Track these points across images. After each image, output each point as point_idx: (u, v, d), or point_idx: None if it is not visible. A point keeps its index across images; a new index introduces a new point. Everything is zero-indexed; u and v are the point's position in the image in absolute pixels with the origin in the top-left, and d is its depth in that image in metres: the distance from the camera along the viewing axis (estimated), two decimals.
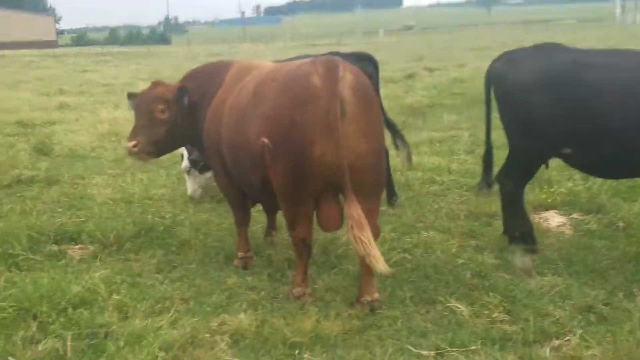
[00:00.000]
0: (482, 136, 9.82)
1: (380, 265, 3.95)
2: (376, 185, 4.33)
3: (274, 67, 4.51)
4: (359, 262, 4.34)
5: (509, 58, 5.33)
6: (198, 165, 6.84)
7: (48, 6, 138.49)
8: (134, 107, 5.46)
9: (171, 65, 31.80)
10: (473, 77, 18.37)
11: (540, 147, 5.05)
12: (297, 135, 3.97)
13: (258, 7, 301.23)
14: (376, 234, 4.30)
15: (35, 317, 4.20)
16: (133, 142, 5.24)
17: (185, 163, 7.00)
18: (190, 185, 7.23)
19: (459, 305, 4.24)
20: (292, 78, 4.09)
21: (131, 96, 5.63)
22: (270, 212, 5.78)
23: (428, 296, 4.48)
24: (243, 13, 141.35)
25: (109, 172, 8.77)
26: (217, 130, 4.82)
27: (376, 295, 4.33)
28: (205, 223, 6.26)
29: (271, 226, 5.86)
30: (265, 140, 4.05)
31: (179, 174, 8.70)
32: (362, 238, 3.96)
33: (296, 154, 4.00)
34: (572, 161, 5.17)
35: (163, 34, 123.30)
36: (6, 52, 54.50)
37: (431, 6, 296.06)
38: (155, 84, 5.44)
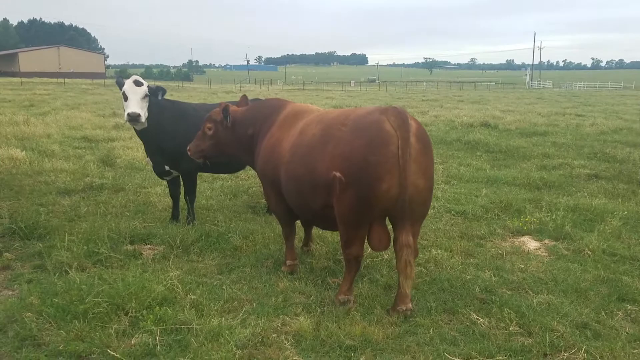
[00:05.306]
0: (453, 170, 9.69)
1: (410, 287, 3.92)
2: (425, 214, 4.04)
3: (339, 113, 4.15)
4: (400, 275, 3.96)
5: None
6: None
7: (99, 46, 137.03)
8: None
9: (197, 98, 31.18)
10: (434, 122, 18.21)
11: None
12: (369, 172, 3.63)
13: (260, 57, 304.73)
14: (416, 254, 4.05)
15: (126, 313, 3.73)
16: (189, 148, 5.21)
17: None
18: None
19: (478, 317, 3.88)
20: (366, 124, 3.75)
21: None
22: (309, 227, 5.38)
23: (449, 307, 4.10)
24: (248, 61, 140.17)
25: (163, 184, 8.27)
26: (275, 163, 4.43)
27: (410, 305, 3.95)
28: (252, 232, 5.81)
29: (308, 238, 5.45)
30: (338, 174, 3.70)
31: (221, 188, 8.27)
32: (412, 262, 3.86)
33: (365, 188, 3.66)
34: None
35: (187, 73, 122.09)
36: (67, 80, 53.21)
37: (388, 65, 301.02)
38: (221, 105, 5.09)
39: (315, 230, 5.61)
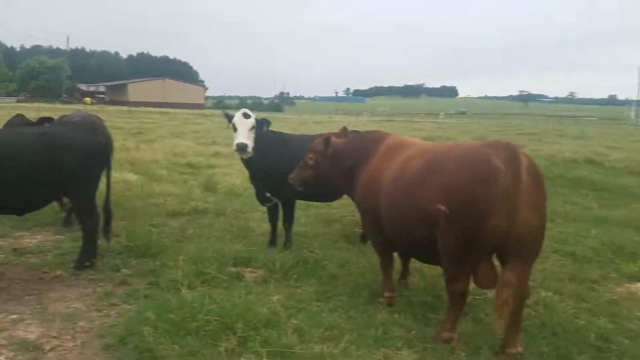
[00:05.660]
0: (557, 208, 9.17)
1: (501, 327, 3.69)
2: (537, 253, 3.84)
3: (445, 146, 4.16)
4: (494, 313, 3.79)
5: None
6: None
7: (200, 78, 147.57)
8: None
9: (290, 128, 32.24)
10: (533, 157, 17.33)
11: None
12: (475, 207, 3.58)
13: (348, 89, 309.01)
14: (527, 294, 3.84)
15: (234, 332, 3.89)
16: (291, 176, 5.44)
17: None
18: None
19: None
20: (473, 157, 3.72)
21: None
22: (407, 260, 5.34)
23: (562, 353, 3.86)
24: (336, 93, 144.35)
25: (261, 210, 8.60)
26: (376, 194, 4.50)
27: (520, 348, 3.77)
28: (347, 261, 5.86)
29: (406, 271, 5.40)
30: (442, 207, 3.68)
31: (314, 215, 8.45)
32: (510, 302, 3.62)
33: (471, 223, 3.61)
34: None
35: (278, 104, 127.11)
36: (170, 110, 57.50)
37: (480, 97, 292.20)
38: (322, 136, 5.28)
39: (412, 263, 5.54)
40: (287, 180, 5.78)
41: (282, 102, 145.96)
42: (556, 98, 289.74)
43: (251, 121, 5.89)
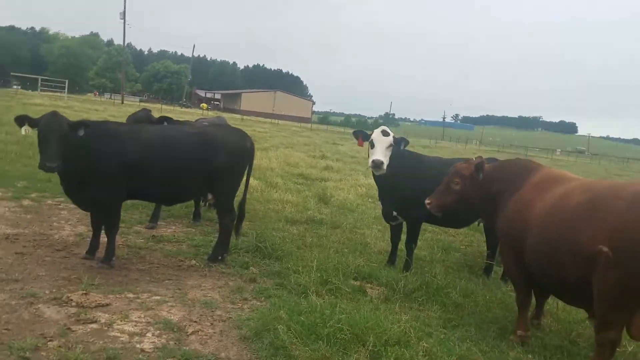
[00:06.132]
0: None
1: None
2: None
3: (612, 184, 3.92)
4: None
5: None
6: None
7: (309, 93, 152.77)
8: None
9: None
10: None
11: None
12: None
13: (457, 115, 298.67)
14: None
15: (364, 344, 3.93)
16: (428, 201, 5.31)
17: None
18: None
19: None
20: None
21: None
22: (544, 299, 5.06)
23: None
24: (444, 118, 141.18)
25: (376, 227, 8.65)
26: (524, 226, 4.31)
27: None
28: (472, 291, 5.66)
29: (541, 311, 5.11)
30: (605, 248, 3.45)
31: (431, 240, 8.31)
32: None
33: (636, 268, 3.35)
34: None
35: (382, 124, 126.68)
36: (279, 121, 59.91)
37: (601, 137, 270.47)
38: (467, 161, 5.18)
39: (546, 305, 5.24)
40: (416, 200, 5.76)
41: (386, 123, 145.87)
42: None
43: (389, 139, 5.96)
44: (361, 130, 6.51)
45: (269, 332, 4.14)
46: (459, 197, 5.13)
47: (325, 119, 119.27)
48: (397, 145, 5.99)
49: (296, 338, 4.00)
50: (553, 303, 5.35)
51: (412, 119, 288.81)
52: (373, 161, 5.88)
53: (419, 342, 4.10)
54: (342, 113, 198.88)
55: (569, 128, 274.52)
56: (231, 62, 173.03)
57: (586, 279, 3.67)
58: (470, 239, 8.88)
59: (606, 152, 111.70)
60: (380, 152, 5.87)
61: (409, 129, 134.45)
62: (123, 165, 5.33)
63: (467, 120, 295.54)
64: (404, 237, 6.64)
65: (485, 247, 7.05)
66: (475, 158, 5.51)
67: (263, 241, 6.48)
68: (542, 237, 4.06)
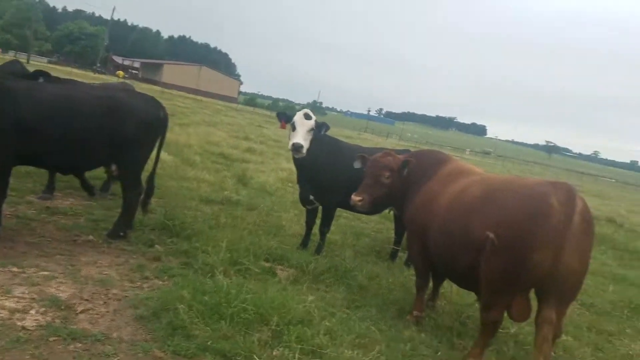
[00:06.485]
0: None
1: None
2: (574, 296, 3.95)
3: (506, 178, 4.24)
4: (535, 350, 3.83)
5: None
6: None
7: (237, 72, 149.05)
8: (364, 168, 5.36)
9: None
10: None
11: None
12: (523, 240, 3.65)
13: (381, 109, 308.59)
14: (560, 334, 3.96)
15: (267, 324, 3.97)
16: (359, 198, 5.19)
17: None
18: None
19: None
20: (531, 193, 3.80)
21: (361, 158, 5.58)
22: (440, 283, 5.37)
23: None
24: (369, 111, 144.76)
25: (293, 211, 8.69)
26: (429, 215, 4.56)
27: None
28: (377, 274, 5.90)
29: (436, 294, 5.42)
30: (491, 235, 3.73)
31: (345, 226, 8.50)
32: (549, 340, 3.74)
33: (517, 255, 3.67)
34: None
35: None
36: (203, 98, 58.24)
37: (507, 141, 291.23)
38: (386, 154, 5.30)
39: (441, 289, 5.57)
40: (333, 186, 5.87)
41: (314, 110, 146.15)
42: (579, 154, 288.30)
43: (311, 123, 5.97)
44: (284, 112, 6.48)
45: (169, 312, 4.04)
46: (389, 191, 5.17)
47: (252, 100, 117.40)
48: (318, 130, 6.03)
49: (197, 317, 3.96)
50: (448, 287, 5.69)
51: (339, 109, 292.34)
52: (293, 144, 5.88)
53: (321, 322, 4.22)
54: (271, 97, 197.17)
55: (480, 130, 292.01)
56: (154, 30, 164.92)
57: (476, 264, 3.94)
58: (381, 226, 9.20)
59: (510, 154, 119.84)
60: (301, 136, 5.88)
61: (336, 119, 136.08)
62: (13, 124, 4.87)
63: (390, 115, 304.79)
64: (318, 221, 6.75)
65: (394, 234, 7.35)
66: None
67: (172, 219, 6.29)
68: (444, 227, 4.32)
